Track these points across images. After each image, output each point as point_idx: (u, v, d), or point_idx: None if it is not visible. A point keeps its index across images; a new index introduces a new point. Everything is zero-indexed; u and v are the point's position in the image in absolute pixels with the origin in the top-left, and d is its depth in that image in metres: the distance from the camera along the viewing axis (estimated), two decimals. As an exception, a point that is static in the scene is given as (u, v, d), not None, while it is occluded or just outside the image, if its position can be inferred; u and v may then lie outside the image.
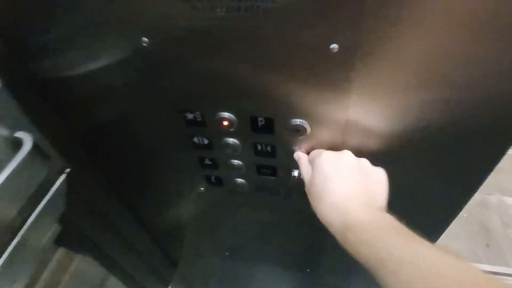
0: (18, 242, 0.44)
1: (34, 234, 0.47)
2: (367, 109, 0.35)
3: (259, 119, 0.39)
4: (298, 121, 0.37)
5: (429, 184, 0.44)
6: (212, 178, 0.51)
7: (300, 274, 0.72)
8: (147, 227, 0.74)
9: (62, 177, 0.50)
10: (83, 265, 0.68)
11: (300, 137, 0.39)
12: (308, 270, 0.71)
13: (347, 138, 0.38)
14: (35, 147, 0.42)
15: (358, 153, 0.38)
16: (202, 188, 0.55)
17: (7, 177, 0.39)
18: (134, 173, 0.58)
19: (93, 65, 0.40)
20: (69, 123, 0.49)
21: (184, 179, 0.54)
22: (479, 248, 1.16)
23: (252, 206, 0.58)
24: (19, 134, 0.41)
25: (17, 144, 0.42)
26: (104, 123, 0.48)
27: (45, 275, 0.60)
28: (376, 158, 0.38)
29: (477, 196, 1.30)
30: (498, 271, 1.08)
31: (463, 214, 1.27)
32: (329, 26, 0.29)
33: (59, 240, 0.56)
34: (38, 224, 0.47)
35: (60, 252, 0.63)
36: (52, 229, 0.51)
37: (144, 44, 0.36)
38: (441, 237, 1.38)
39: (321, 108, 0.36)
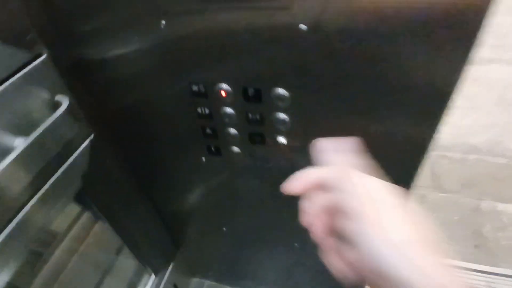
0: (44, 191, 0.53)
1: (59, 186, 0.56)
2: (335, 76, 0.44)
3: (249, 89, 0.48)
4: (279, 90, 0.47)
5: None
6: (212, 147, 0.60)
7: (289, 249, 0.79)
8: (153, 202, 0.83)
9: (87, 141, 0.60)
10: (101, 232, 0.77)
11: (283, 105, 0.48)
12: (296, 245, 0.78)
13: (321, 106, 0.47)
14: (69, 109, 0.52)
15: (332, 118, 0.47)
16: (203, 158, 0.64)
17: (43, 131, 0.48)
18: (145, 146, 0.67)
19: (121, 47, 0.51)
20: (96, 95, 0.59)
21: (188, 150, 0.63)
22: (468, 249, 1.20)
23: (246, 178, 0.66)
24: (58, 98, 0.52)
25: (54, 107, 0.52)
26: (125, 97, 0.58)
27: (68, 234, 0.70)
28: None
29: (469, 201, 1.35)
30: (485, 270, 1.12)
31: (454, 217, 1.32)
32: (297, 11, 0.39)
33: (79, 198, 0.65)
34: (63, 177, 0.56)
35: (82, 217, 0.73)
36: (74, 185, 0.60)
37: (162, 26, 0.46)
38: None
39: (298, 78, 0.45)
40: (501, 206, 1.29)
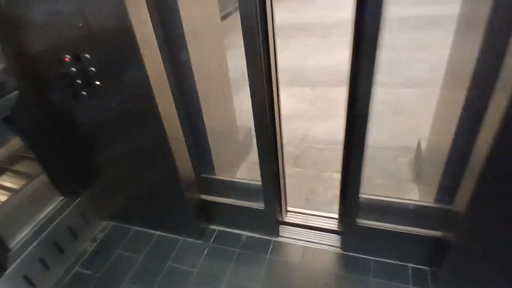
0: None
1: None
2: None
3: (74, 55, 1.09)
4: (87, 55, 1.07)
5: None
6: (74, 93, 1.20)
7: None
8: (67, 143, 1.39)
9: (16, 91, 1.21)
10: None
11: (89, 62, 1.08)
12: (136, 163, 1.30)
13: (109, 62, 1.07)
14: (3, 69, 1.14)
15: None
16: (73, 102, 1.23)
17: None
18: (49, 98, 1.27)
19: (34, 36, 1.15)
20: (22, 65, 1.22)
21: (65, 96, 1.23)
22: (301, 200, 1.63)
23: (96, 113, 1.23)
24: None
25: (-1, 70, 1.15)
26: (36, 65, 1.21)
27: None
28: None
29: (314, 173, 1.80)
30: (312, 213, 1.52)
31: (299, 182, 1.76)
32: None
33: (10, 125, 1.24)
34: None
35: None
36: (4, 110, 1.20)
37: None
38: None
39: (92, 48, 1.06)
40: (336, 175, 1.74)
